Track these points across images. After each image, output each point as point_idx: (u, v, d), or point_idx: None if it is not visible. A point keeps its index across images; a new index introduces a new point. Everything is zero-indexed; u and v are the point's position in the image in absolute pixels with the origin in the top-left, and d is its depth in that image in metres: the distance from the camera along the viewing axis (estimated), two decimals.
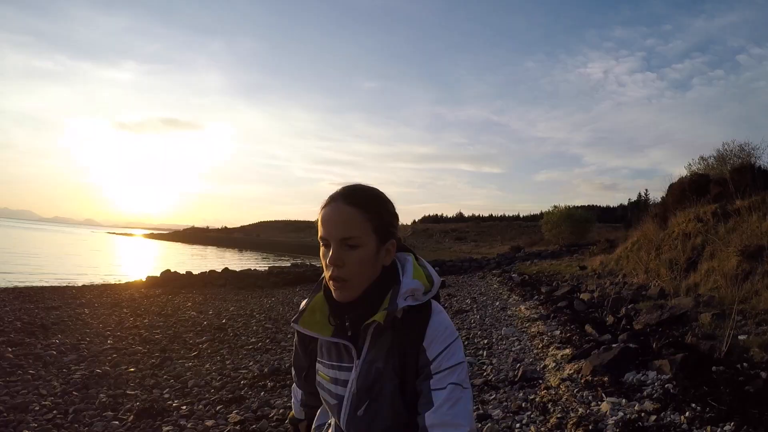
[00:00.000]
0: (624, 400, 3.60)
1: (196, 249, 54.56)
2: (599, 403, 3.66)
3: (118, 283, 15.86)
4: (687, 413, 3.20)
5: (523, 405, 3.88)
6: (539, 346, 5.86)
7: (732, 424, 2.96)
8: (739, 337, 4.57)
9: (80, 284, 14.96)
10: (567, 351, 5.28)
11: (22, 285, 13.96)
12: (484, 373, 4.93)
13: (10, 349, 6.12)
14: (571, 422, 3.37)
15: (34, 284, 14.45)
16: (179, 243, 74.01)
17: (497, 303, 10.15)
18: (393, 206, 1.18)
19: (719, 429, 2.95)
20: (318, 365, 1.20)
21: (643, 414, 3.31)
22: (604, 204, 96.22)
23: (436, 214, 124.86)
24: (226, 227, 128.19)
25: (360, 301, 1.09)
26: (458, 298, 11.48)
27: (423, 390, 1.07)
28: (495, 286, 14.01)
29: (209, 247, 61.75)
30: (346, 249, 1.06)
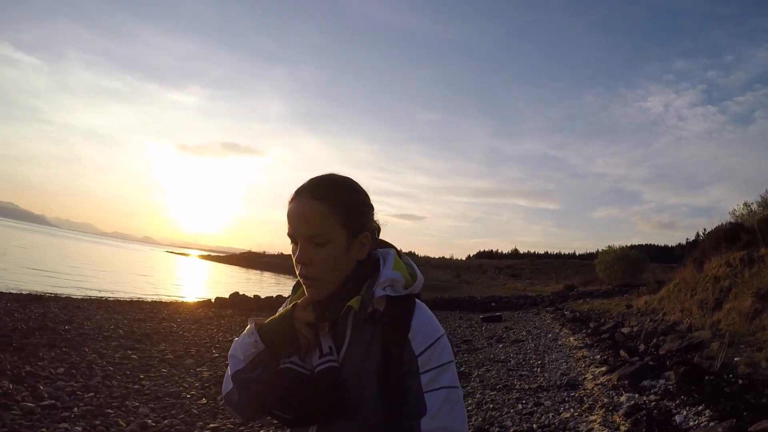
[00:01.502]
0: (637, 395, 5.26)
1: (253, 273, 54.91)
2: (620, 396, 5.33)
3: (186, 301, 16.59)
4: (676, 401, 4.84)
5: (566, 398, 5.60)
6: (582, 366, 7.48)
7: (703, 405, 4.58)
8: (735, 358, 6.08)
9: (150, 300, 15.69)
10: (603, 368, 6.90)
11: (95, 296, 14.66)
12: (539, 381, 6.64)
13: (129, 352, 6.96)
14: (598, 406, 5.07)
15: (109, 296, 15.13)
16: (236, 266, 73.43)
17: (549, 335, 11.69)
18: (366, 196, 1.12)
19: (694, 409, 4.58)
20: None
21: (647, 401, 4.97)
22: (661, 243, 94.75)
23: (491, 250, 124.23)
24: (282, 253, 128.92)
25: (335, 297, 1.05)
26: (515, 330, 13.04)
27: (412, 389, 1.00)
28: (548, 321, 15.47)
29: (266, 272, 60.87)
30: (313, 247, 1.03)
